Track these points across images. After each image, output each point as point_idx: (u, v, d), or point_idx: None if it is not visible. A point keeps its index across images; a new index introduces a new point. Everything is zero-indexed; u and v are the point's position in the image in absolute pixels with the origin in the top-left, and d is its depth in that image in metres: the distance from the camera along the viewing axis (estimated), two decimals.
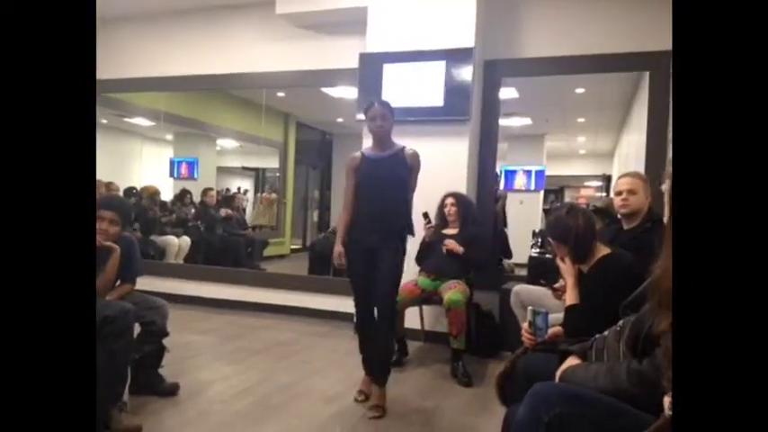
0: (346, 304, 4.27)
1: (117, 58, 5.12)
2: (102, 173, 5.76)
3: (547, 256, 4.18)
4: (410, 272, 3.47)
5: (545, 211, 7.16)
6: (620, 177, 2.70)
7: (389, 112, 2.73)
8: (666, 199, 2.15)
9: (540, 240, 4.86)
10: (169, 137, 7.23)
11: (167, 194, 6.65)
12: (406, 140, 3.96)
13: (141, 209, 5.73)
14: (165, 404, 2.52)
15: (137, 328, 2.41)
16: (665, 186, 2.37)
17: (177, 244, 5.89)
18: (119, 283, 2.51)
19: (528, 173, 7.04)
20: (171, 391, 2.63)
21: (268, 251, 7.02)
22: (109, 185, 5.57)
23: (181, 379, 2.73)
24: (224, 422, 2.38)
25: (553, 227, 2.01)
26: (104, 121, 6.87)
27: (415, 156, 2.79)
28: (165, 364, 2.66)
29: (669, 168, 0.93)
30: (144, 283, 2.68)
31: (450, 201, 3.50)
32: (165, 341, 2.62)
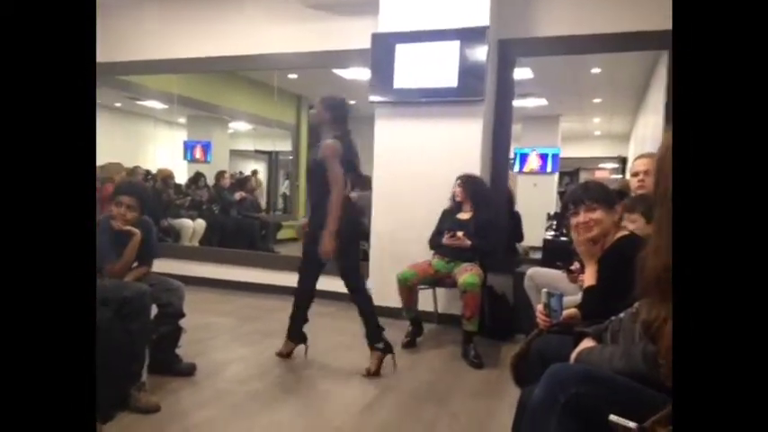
0: None
1: (129, 40, 5.12)
2: (117, 156, 5.80)
3: (562, 238, 4.16)
4: (424, 254, 3.48)
5: (560, 193, 7.09)
6: (636, 158, 2.66)
7: (321, 104, 2.90)
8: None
9: (555, 223, 4.83)
10: (182, 120, 7.26)
11: (181, 177, 6.69)
12: (419, 122, 3.96)
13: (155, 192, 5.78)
14: (183, 384, 2.57)
15: (154, 310, 2.45)
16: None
17: (192, 227, 5.95)
18: (136, 264, 2.54)
19: (542, 155, 6.97)
20: (188, 371, 2.67)
21: (281, 234, 7.06)
22: (133, 170, 5.62)
23: (198, 359, 2.78)
24: (240, 402, 2.42)
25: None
26: (118, 105, 6.91)
27: (323, 148, 2.77)
28: (182, 345, 2.71)
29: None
30: (160, 265, 2.71)
31: (457, 182, 3.48)
32: (182, 322, 2.65)
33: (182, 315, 2.62)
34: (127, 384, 2.23)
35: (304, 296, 3.04)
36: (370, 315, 2.85)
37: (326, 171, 2.74)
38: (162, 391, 2.43)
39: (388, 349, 2.84)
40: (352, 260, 2.95)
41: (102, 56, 5.23)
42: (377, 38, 4.01)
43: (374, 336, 2.82)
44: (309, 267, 3.01)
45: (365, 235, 4.64)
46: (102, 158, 5.61)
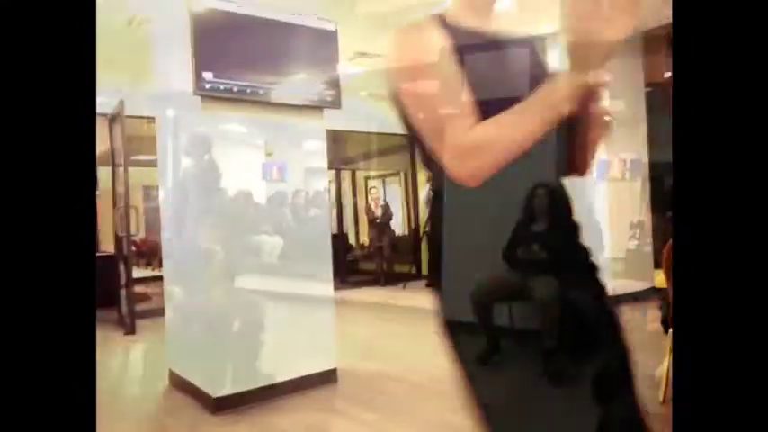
0: None
1: None
2: None
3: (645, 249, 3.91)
4: (496, 267, 3.38)
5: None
6: None
7: None
8: None
9: (639, 232, 4.55)
10: (260, 141, 7.56)
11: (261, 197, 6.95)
12: None
13: None
14: None
15: None
16: None
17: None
18: None
19: (624, 160, 6.63)
20: None
21: None
22: None
23: None
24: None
25: None
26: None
27: None
28: None
29: None
30: None
31: (539, 192, 3.35)
32: None
33: None
34: None
35: None
36: None
37: None
38: None
39: None
40: None
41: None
42: None
43: None
44: None
45: None
46: None
